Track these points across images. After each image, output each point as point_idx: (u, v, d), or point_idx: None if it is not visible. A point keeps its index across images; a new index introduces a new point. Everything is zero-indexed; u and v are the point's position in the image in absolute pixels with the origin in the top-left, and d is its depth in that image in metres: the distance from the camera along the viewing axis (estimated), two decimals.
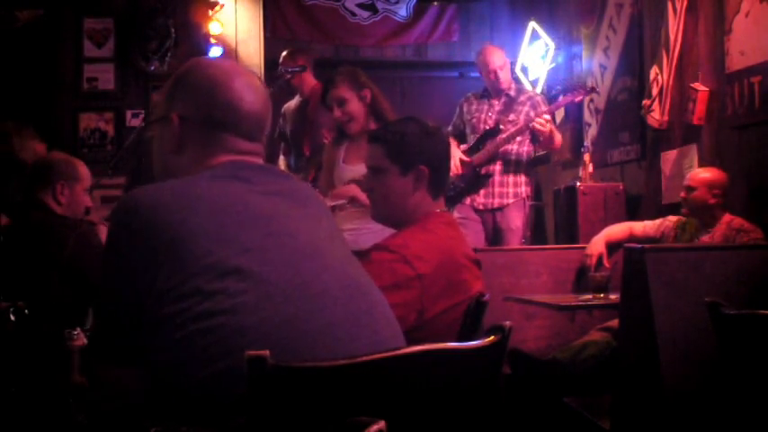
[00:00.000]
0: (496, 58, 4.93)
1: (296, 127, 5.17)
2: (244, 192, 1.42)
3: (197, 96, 1.50)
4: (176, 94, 1.54)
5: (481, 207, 4.84)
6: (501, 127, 4.76)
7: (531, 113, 4.76)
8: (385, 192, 2.17)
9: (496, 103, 4.93)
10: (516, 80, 6.02)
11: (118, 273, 1.36)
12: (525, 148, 4.87)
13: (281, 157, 5.32)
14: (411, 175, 2.12)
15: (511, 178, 4.83)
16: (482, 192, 4.82)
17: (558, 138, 4.79)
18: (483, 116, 4.91)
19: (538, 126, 4.57)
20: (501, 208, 4.81)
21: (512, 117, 4.82)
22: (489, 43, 5.71)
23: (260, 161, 1.53)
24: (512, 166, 4.82)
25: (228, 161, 1.48)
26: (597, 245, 3.86)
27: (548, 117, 4.63)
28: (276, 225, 1.41)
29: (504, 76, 4.93)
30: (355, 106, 3.35)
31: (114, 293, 1.37)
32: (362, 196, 3.23)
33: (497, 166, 4.81)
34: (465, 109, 5.02)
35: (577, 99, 4.97)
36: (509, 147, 4.79)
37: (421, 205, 2.13)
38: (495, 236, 4.85)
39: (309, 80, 5.14)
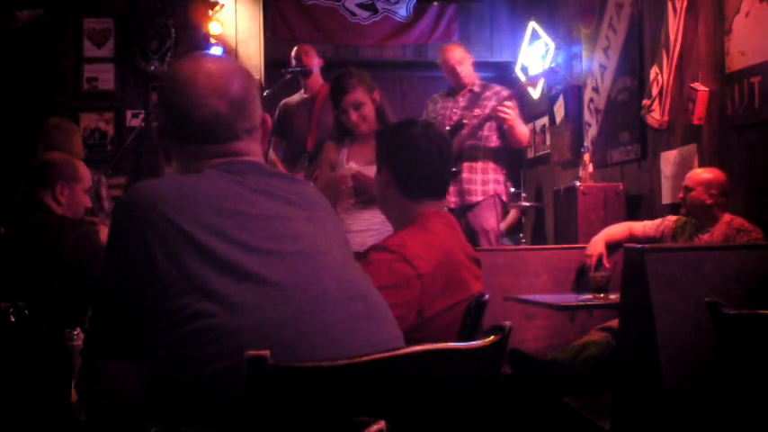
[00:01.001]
0: (455, 53, 4.91)
1: (300, 123, 5.17)
2: (245, 192, 1.42)
3: (163, 110, 1.53)
4: (157, 106, 1.58)
5: (453, 206, 4.72)
6: (465, 122, 4.62)
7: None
8: (376, 188, 2.27)
9: (461, 99, 4.87)
10: (513, 78, 6.02)
11: (118, 265, 1.36)
12: (493, 144, 4.78)
13: (272, 152, 5.31)
14: (381, 174, 2.19)
15: (479, 176, 4.73)
16: (452, 190, 4.68)
17: (520, 131, 4.69)
18: (448, 113, 4.84)
19: (502, 113, 4.52)
20: (471, 206, 4.73)
21: (477, 112, 4.73)
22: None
23: (252, 159, 1.51)
24: (479, 162, 4.72)
25: (218, 163, 1.47)
26: (597, 245, 3.86)
27: (509, 104, 4.55)
28: (278, 226, 1.41)
29: (465, 71, 4.87)
30: (369, 109, 3.38)
31: (114, 285, 1.37)
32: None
33: (464, 163, 4.71)
34: (430, 109, 4.98)
35: (534, 83, 4.96)
36: (475, 142, 4.70)
37: (400, 205, 2.15)
38: (469, 238, 4.75)
39: (318, 79, 5.17)
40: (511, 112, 4.56)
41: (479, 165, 4.73)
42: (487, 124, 4.71)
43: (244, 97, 1.50)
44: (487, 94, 4.82)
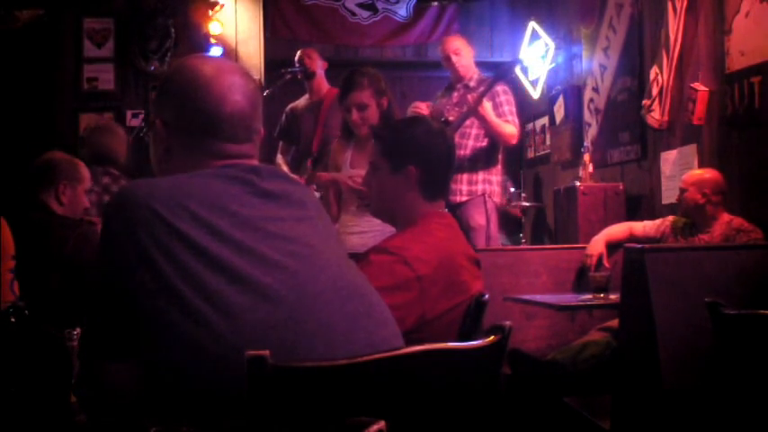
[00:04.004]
0: (452, 43, 4.85)
1: (306, 127, 5.16)
2: (240, 192, 1.42)
3: (177, 103, 1.49)
4: (161, 99, 1.53)
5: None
6: (450, 119, 4.47)
7: (489, 101, 4.45)
8: (379, 188, 2.20)
9: (455, 95, 4.74)
10: (514, 77, 5.93)
11: (112, 264, 1.35)
12: (483, 143, 4.56)
13: (279, 156, 5.32)
14: (401, 174, 2.13)
15: (465, 176, 4.54)
16: None
17: (501, 130, 4.44)
18: (444, 111, 4.67)
19: (473, 106, 4.33)
20: (456, 206, 4.49)
21: (466, 108, 4.50)
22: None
23: (252, 162, 1.50)
24: (466, 162, 4.51)
25: (220, 165, 1.46)
26: (597, 245, 3.86)
27: (484, 103, 4.33)
28: (272, 227, 1.40)
29: (461, 62, 4.77)
30: (373, 112, 3.35)
31: (110, 285, 1.36)
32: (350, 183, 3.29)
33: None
34: (432, 108, 4.78)
35: (506, 76, 4.70)
36: (463, 141, 4.51)
37: (414, 205, 2.13)
38: None
39: (323, 82, 5.17)
40: (486, 109, 4.36)
41: (466, 165, 4.52)
42: (476, 123, 4.50)
43: (258, 97, 1.52)
44: (481, 89, 4.58)
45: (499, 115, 4.49)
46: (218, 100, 1.46)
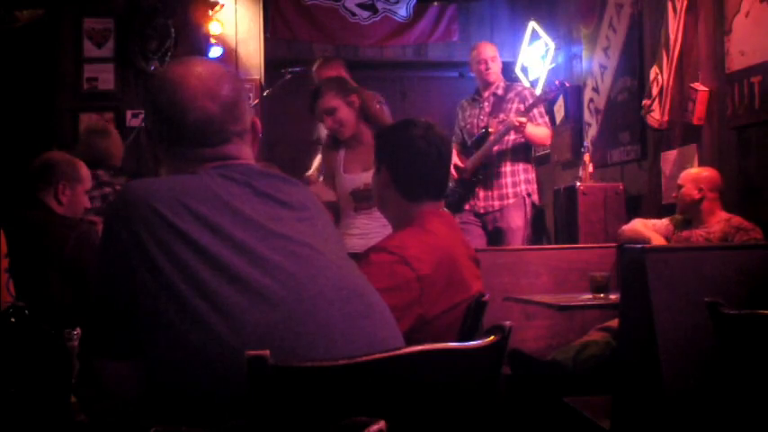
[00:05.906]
0: (488, 49, 5.03)
1: None
2: (240, 192, 1.42)
3: (151, 113, 1.51)
4: (144, 110, 1.57)
5: (482, 211, 4.85)
6: (490, 130, 4.79)
7: (522, 108, 4.79)
8: (373, 189, 2.27)
9: (486, 104, 4.96)
10: (514, 78, 6.03)
11: (113, 264, 1.36)
12: (520, 143, 4.85)
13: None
14: (380, 174, 2.18)
15: (509, 179, 4.84)
16: (481, 195, 4.84)
17: (536, 137, 4.77)
18: (475, 121, 4.96)
19: (516, 124, 4.61)
20: (502, 209, 4.82)
21: (501, 117, 4.83)
22: None
23: (244, 162, 1.50)
24: (508, 164, 4.83)
25: (212, 167, 1.47)
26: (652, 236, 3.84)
27: (522, 119, 4.62)
28: (272, 227, 1.40)
29: (494, 69, 4.98)
30: (344, 112, 3.34)
31: (110, 285, 1.36)
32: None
33: (493, 168, 4.83)
34: (460, 116, 5.08)
35: (550, 96, 5.09)
36: (502, 147, 4.81)
37: (397, 206, 2.14)
38: (496, 237, 4.83)
39: None
40: (523, 124, 4.63)
41: (508, 168, 4.83)
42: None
43: (234, 100, 1.50)
44: (510, 95, 4.91)
45: (530, 119, 4.74)
46: (183, 108, 1.46)
